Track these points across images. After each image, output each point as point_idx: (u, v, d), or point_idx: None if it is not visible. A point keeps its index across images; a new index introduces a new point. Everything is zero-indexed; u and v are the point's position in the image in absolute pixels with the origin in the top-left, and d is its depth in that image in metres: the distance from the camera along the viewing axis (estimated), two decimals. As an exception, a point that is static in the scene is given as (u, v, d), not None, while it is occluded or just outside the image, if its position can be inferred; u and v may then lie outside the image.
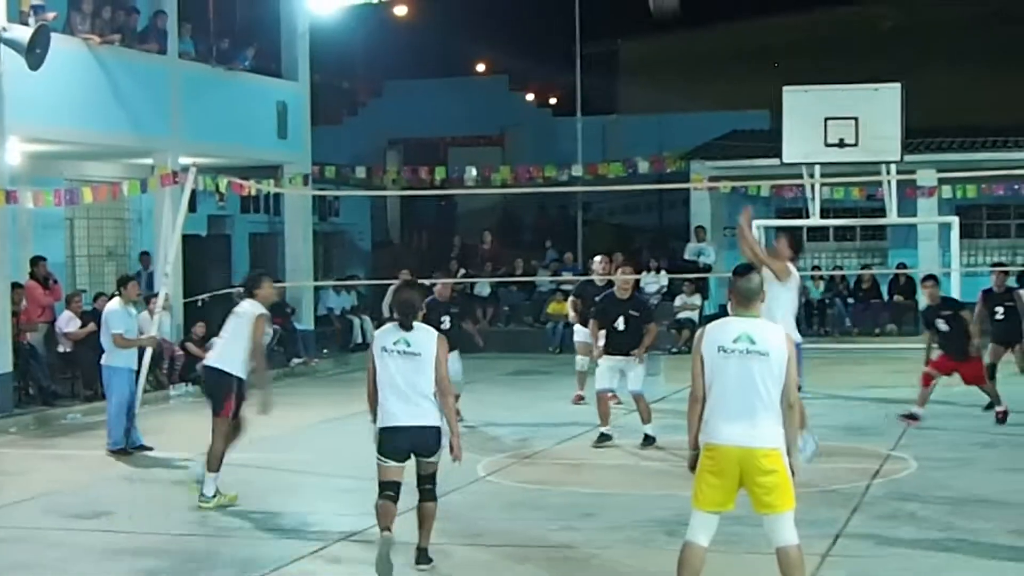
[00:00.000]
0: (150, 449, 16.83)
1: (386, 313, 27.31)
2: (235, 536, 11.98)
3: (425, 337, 10.31)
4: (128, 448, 16.70)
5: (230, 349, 13.40)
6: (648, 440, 16.36)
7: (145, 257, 25.61)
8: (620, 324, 16.57)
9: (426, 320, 16.98)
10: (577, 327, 20.64)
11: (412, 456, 10.34)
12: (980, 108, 40.63)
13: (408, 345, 10.22)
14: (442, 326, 17.29)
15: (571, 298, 21.25)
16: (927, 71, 41.37)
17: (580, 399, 20.41)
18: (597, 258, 20.32)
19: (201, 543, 11.76)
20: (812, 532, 10.67)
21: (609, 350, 16.68)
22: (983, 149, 32.24)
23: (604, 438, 16.49)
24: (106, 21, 23.53)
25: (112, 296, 18.04)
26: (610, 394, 17.01)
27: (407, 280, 11.32)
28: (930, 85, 38.24)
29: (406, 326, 10.30)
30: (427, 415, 10.22)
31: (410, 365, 10.21)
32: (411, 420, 10.19)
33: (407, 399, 10.22)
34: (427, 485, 10.40)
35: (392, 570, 9.88)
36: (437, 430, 10.27)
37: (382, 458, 10.34)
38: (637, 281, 17.71)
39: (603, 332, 16.74)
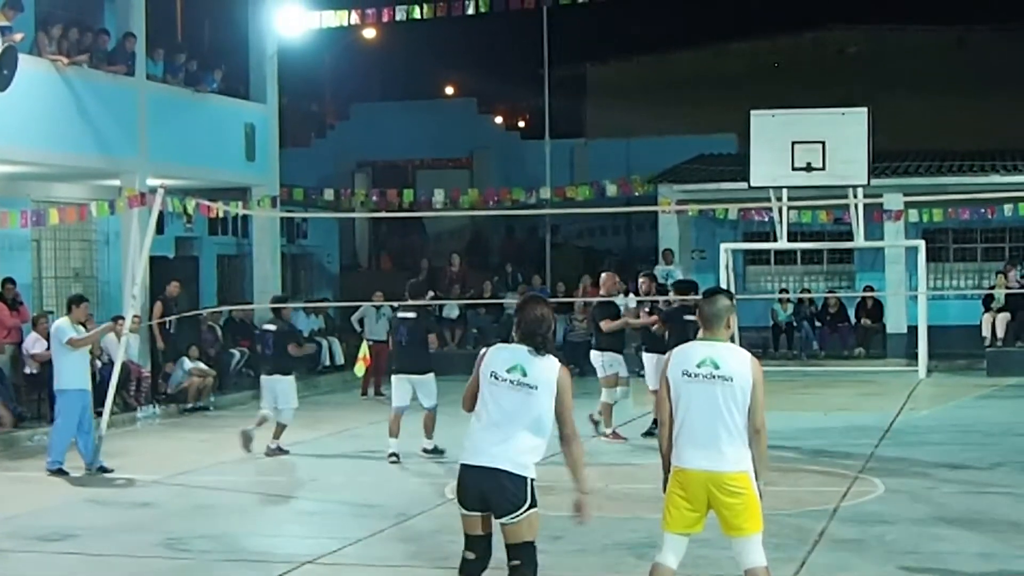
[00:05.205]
0: (110, 471, 16.78)
1: (357, 328, 27.42)
2: (202, 559, 11.92)
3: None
4: (88, 469, 16.69)
5: None
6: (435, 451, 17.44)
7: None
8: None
9: None
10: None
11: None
12: (947, 132, 40.81)
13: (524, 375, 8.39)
14: None
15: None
16: (894, 96, 41.54)
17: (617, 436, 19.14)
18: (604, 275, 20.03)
19: (168, 566, 11.70)
20: (780, 555, 10.69)
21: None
22: (950, 173, 32.40)
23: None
24: (73, 43, 23.48)
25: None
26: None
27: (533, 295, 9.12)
28: (897, 110, 38.42)
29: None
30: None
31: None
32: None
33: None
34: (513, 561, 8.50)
35: None
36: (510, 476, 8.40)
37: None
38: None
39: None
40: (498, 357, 8.47)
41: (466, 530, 8.53)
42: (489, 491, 8.28)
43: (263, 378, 18.90)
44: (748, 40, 50.28)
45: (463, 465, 8.46)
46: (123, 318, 19.83)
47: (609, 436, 18.75)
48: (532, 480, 8.28)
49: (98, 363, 22.40)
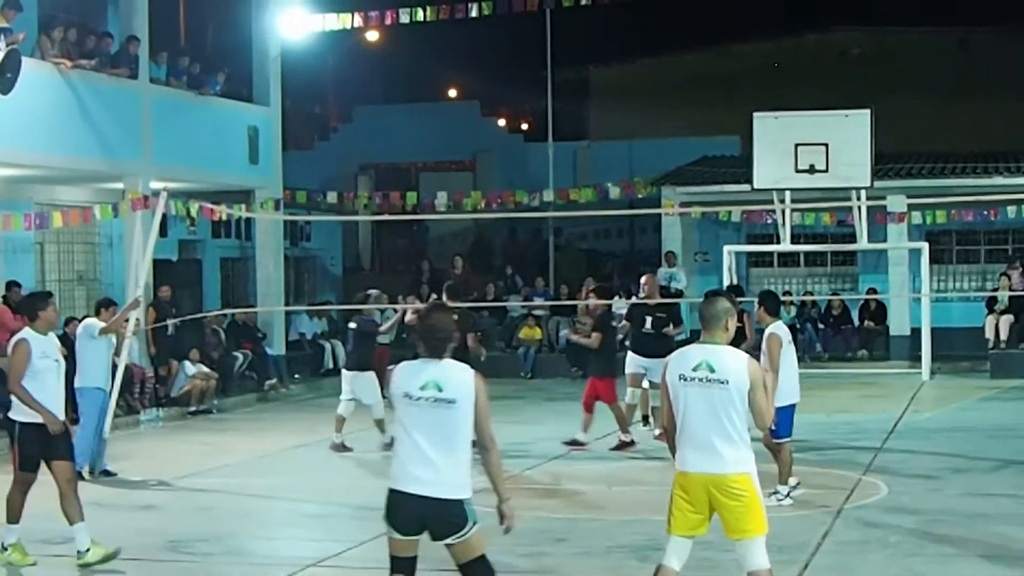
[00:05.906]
0: (114, 475, 16.77)
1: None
2: (205, 562, 11.92)
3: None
4: (92, 472, 16.67)
5: None
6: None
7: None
8: None
9: None
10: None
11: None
12: (950, 134, 40.83)
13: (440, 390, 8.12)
14: None
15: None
16: (897, 97, 41.56)
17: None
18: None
19: (172, 569, 11.71)
20: (783, 557, 10.69)
21: None
22: (953, 175, 32.39)
23: None
24: (74, 45, 23.49)
25: (85, 316, 18.05)
26: None
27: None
28: (900, 111, 38.41)
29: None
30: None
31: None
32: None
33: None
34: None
35: None
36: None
37: None
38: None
39: None
40: (407, 375, 8.16)
41: (396, 552, 8.25)
42: (430, 519, 8.04)
43: (344, 372, 19.64)
44: (751, 42, 50.34)
45: (394, 491, 8.11)
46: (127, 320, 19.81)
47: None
48: (469, 499, 8.07)
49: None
